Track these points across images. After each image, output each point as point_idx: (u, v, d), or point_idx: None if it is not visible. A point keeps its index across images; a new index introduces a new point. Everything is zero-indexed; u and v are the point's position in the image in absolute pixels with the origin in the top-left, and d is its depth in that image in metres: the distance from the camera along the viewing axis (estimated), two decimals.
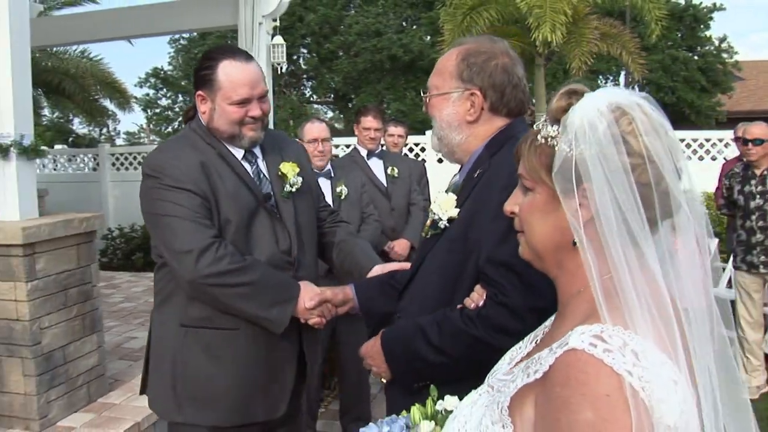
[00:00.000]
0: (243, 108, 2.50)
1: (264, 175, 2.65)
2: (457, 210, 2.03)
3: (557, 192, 1.21)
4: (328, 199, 4.44)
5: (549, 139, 1.23)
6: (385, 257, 5.03)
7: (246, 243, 2.52)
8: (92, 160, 14.09)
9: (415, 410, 1.49)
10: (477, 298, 1.92)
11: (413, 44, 23.63)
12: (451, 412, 1.40)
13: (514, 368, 1.28)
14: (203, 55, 2.62)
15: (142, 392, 2.81)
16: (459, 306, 1.96)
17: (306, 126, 4.66)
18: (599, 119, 1.17)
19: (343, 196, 4.64)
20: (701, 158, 11.63)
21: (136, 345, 6.20)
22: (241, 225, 2.50)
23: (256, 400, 2.61)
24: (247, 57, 2.55)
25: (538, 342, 1.34)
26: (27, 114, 4.55)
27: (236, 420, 2.58)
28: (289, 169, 2.66)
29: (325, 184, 4.53)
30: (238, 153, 2.62)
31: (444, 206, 2.06)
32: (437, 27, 16.68)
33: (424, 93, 2.20)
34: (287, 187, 2.65)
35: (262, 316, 2.47)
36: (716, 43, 25.81)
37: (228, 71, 2.47)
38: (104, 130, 35.86)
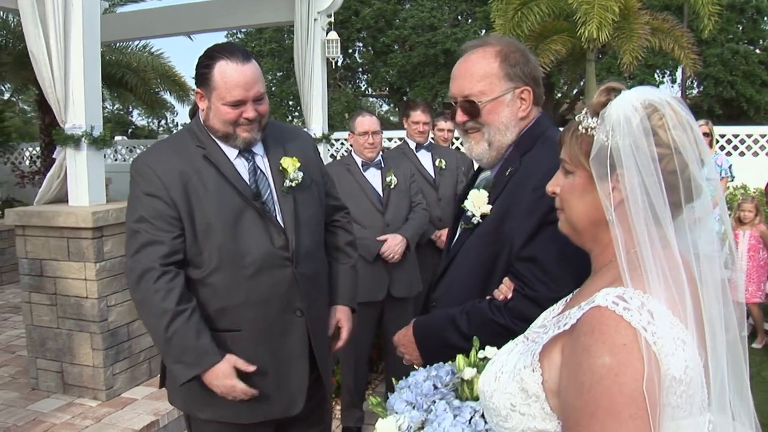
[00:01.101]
0: (237, 109, 2.47)
1: (261, 171, 2.62)
2: (490, 207, 2.13)
3: (593, 176, 1.38)
4: (378, 189, 4.65)
5: (589, 130, 1.41)
6: (433, 245, 5.23)
7: (236, 242, 2.48)
8: None
9: (460, 358, 1.67)
10: (505, 290, 2.04)
11: (468, 38, 23.61)
12: (489, 360, 1.58)
13: (547, 322, 1.48)
14: (203, 53, 2.57)
15: (161, 386, 2.82)
16: (488, 297, 2.09)
17: (357, 119, 4.86)
18: (633, 114, 1.33)
19: (392, 186, 4.83)
20: (756, 154, 11.50)
21: None
22: (227, 226, 2.47)
23: (271, 398, 2.59)
24: (245, 57, 2.48)
25: (568, 301, 1.53)
26: (97, 107, 4.88)
27: (252, 417, 2.59)
28: (289, 163, 2.62)
29: (375, 174, 4.74)
30: (233, 152, 2.58)
31: (477, 202, 2.14)
32: (491, 21, 16.73)
33: (455, 103, 2.18)
34: (287, 182, 2.60)
35: (166, 363, 2.52)
36: None
37: (223, 71, 2.43)
38: (162, 122, 36.72)
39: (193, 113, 2.73)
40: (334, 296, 2.85)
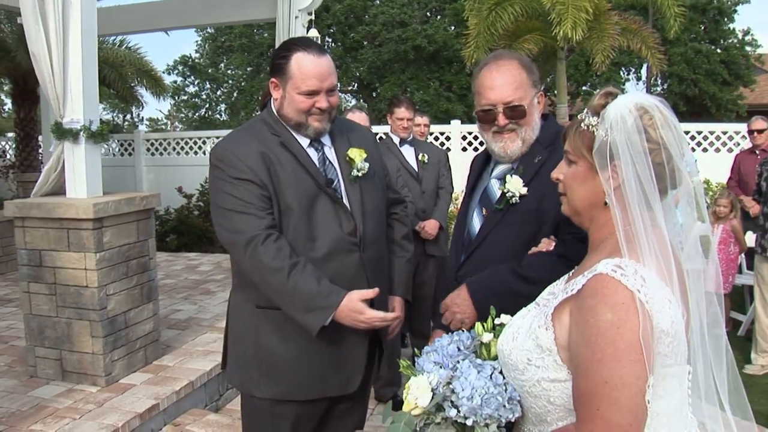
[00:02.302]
0: (311, 99, 2.62)
1: (330, 161, 2.75)
2: (526, 189, 2.46)
3: (595, 165, 1.67)
4: None
5: (590, 127, 1.70)
6: (416, 236, 5.46)
7: (309, 226, 2.62)
8: (129, 145, 14.65)
9: (478, 325, 1.91)
10: (545, 247, 2.38)
11: (437, 35, 23.95)
12: (506, 325, 1.85)
13: (555, 290, 1.77)
14: (281, 45, 2.75)
15: (223, 368, 2.98)
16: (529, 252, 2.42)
17: (347, 115, 5.07)
18: (628, 114, 1.62)
19: None
20: (717, 150, 11.93)
21: (182, 316, 6.70)
22: (303, 210, 2.60)
23: (329, 376, 2.72)
24: (320, 51, 2.64)
25: (572, 274, 1.80)
26: (94, 102, 5.01)
27: (311, 394, 2.72)
28: (356, 154, 2.75)
29: None
30: (305, 141, 2.72)
31: (515, 186, 2.46)
32: (461, 18, 16.96)
33: (495, 109, 2.48)
34: (354, 172, 2.74)
35: (296, 318, 2.58)
36: (739, 36, 25.88)
37: (300, 62, 2.59)
38: (127, 117, 36.42)
39: (263, 105, 2.88)
40: (390, 287, 2.97)
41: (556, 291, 1.75)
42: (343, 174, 2.77)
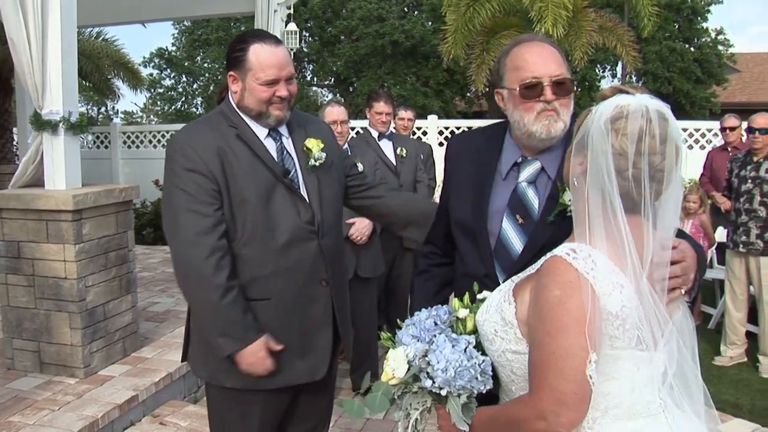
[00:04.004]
0: (271, 88, 2.66)
1: (288, 151, 2.81)
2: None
3: (573, 150, 1.78)
4: None
5: (588, 115, 1.79)
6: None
7: (267, 217, 2.66)
8: (105, 138, 14.54)
9: (456, 301, 2.01)
10: None
11: (415, 30, 23.95)
12: (484, 300, 1.96)
13: (528, 270, 1.87)
14: (236, 39, 2.80)
15: (183, 359, 3.00)
16: None
17: (326, 109, 5.12)
18: (607, 113, 1.70)
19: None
20: (690, 147, 12.08)
21: (160, 309, 6.71)
22: (260, 201, 2.65)
23: (296, 364, 2.76)
24: (276, 41, 2.71)
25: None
26: (73, 93, 4.99)
27: (277, 383, 2.74)
28: (313, 144, 2.81)
29: None
30: (262, 132, 2.77)
31: (568, 198, 2.09)
32: (438, 13, 17.03)
33: (561, 89, 2.20)
34: (311, 161, 2.80)
35: (207, 334, 2.70)
36: (712, 35, 26.22)
37: (258, 53, 2.63)
38: (102, 110, 36.04)
39: (220, 99, 2.92)
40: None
41: (527, 270, 1.86)
42: (300, 164, 2.82)
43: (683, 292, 1.81)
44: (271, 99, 2.69)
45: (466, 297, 2.00)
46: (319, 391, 3.01)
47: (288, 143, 2.84)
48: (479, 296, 2.01)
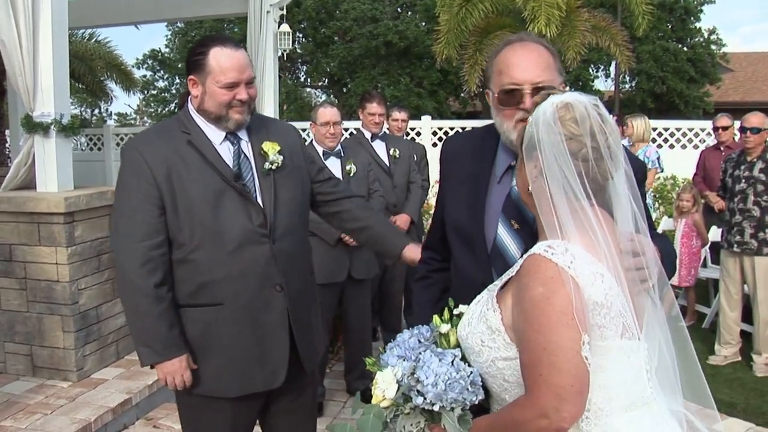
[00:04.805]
0: (231, 91, 2.65)
1: (246, 155, 2.79)
2: None
3: (524, 157, 1.80)
4: (338, 176, 4.89)
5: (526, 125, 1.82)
6: None
7: (216, 222, 2.64)
8: (98, 139, 14.50)
9: (436, 317, 2.00)
10: None
11: (408, 31, 23.94)
12: (464, 314, 1.93)
13: (504, 277, 1.85)
14: (196, 43, 2.76)
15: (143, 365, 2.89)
16: None
17: (320, 110, 5.10)
18: (549, 107, 1.74)
19: (351, 174, 5.09)
20: (684, 146, 12.13)
21: None
22: (207, 205, 2.63)
23: (253, 372, 2.73)
24: (236, 45, 2.70)
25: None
26: (65, 95, 4.99)
27: (236, 391, 2.73)
28: (269, 147, 2.79)
29: (335, 163, 4.99)
30: (219, 136, 2.75)
31: None
32: (432, 14, 17.02)
33: (522, 89, 2.13)
34: (266, 165, 2.77)
35: (132, 336, 2.73)
36: (705, 35, 26.28)
37: (218, 57, 2.62)
38: (95, 111, 35.96)
39: (181, 105, 2.91)
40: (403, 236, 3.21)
41: (504, 277, 1.85)
42: (257, 167, 2.80)
43: (651, 285, 1.78)
44: (231, 102, 2.68)
45: (446, 312, 2.00)
46: (296, 396, 2.97)
47: (246, 147, 2.82)
48: (455, 311, 1.99)
